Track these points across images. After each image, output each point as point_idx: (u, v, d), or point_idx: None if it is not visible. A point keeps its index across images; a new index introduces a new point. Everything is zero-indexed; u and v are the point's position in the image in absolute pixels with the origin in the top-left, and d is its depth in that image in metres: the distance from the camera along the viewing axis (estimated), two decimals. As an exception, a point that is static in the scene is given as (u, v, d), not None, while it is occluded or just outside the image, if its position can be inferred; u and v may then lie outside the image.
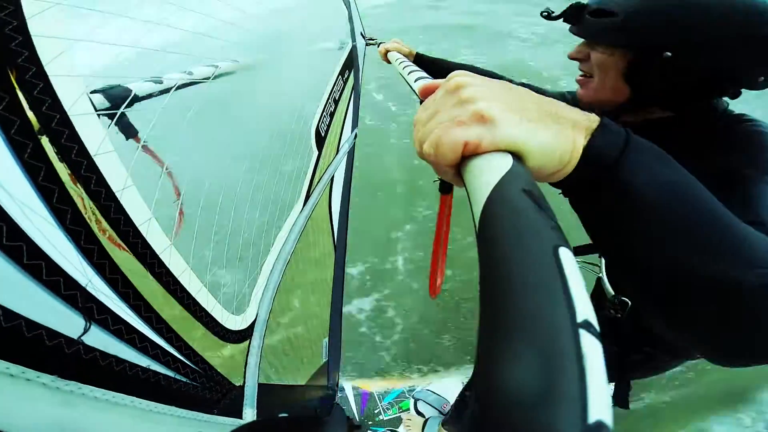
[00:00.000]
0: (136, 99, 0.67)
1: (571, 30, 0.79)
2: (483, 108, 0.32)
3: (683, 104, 0.73)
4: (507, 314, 0.19)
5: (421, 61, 1.44)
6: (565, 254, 0.21)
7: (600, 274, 1.13)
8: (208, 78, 0.87)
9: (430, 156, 0.34)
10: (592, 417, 0.15)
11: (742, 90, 0.70)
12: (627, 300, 1.01)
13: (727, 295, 0.33)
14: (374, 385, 2.36)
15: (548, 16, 0.83)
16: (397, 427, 2.15)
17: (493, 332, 0.19)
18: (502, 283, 0.21)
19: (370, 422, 2.20)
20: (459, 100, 0.34)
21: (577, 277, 0.20)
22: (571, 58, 0.82)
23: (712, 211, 0.34)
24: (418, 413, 2.17)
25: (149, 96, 0.72)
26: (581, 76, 0.82)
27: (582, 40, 0.79)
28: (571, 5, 0.77)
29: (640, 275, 0.37)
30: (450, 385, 2.30)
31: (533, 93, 0.36)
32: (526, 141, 0.32)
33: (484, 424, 0.17)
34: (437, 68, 1.39)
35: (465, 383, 2.34)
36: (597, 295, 1.14)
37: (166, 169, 0.66)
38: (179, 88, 0.79)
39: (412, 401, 2.22)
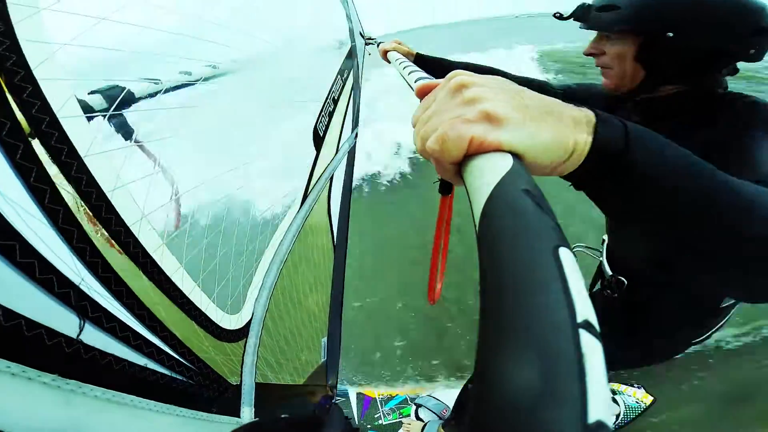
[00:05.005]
0: (134, 99, 0.67)
1: (582, 27, 0.90)
2: (489, 108, 0.33)
3: (690, 78, 0.84)
4: (507, 314, 0.19)
5: (421, 60, 1.44)
6: (565, 254, 0.21)
7: (601, 258, 1.22)
8: (205, 78, 0.88)
9: (434, 152, 0.35)
10: (592, 417, 0.15)
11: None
12: (623, 279, 1.10)
13: (746, 247, 0.38)
14: (377, 392, 2.37)
15: (560, 17, 0.97)
16: None
17: (493, 332, 0.19)
18: (502, 283, 0.21)
19: (368, 426, 2.21)
20: (463, 99, 0.35)
21: (577, 277, 0.20)
22: (588, 54, 0.92)
23: (717, 178, 0.38)
24: (419, 419, 2.18)
25: (147, 96, 0.72)
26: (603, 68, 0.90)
27: (593, 36, 0.90)
28: (579, 5, 0.89)
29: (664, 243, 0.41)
30: (453, 394, 2.26)
31: (533, 92, 0.37)
32: (529, 139, 0.33)
33: (485, 425, 0.17)
34: (437, 67, 1.39)
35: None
36: (598, 277, 1.28)
37: (162, 169, 0.67)
38: (176, 88, 0.79)
39: (413, 408, 2.23)
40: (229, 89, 1.02)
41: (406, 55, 1.40)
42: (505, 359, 0.17)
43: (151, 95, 0.74)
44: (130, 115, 0.62)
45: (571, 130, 0.35)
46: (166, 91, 0.77)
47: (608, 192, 0.39)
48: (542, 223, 0.24)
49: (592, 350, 0.17)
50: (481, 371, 0.18)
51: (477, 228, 0.27)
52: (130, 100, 0.66)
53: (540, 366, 0.16)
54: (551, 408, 0.15)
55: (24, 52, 0.36)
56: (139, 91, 0.72)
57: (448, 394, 2.29)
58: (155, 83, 0.77)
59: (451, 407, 2.16)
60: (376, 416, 2.25)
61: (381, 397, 2.36)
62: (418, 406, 2.21)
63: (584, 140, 0.35)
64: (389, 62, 1.34)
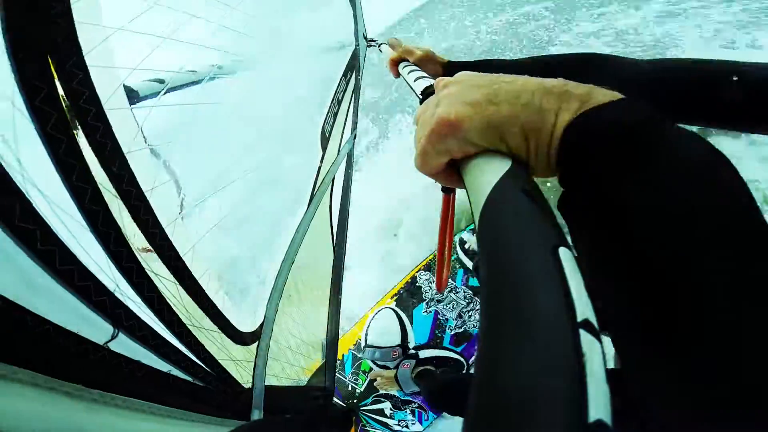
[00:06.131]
0: (140, 98, 0.64)
1: None
2: (442, 113, 0.31)
3: None
4: (507, 314, 0.19)
5: (458, 68, 0.94)
6: (565, 254, 0.21)
7: None
8: (211, 77, 0.84)
9: (418, 168, 0.35)
10: (592, 416, 0.15)
11: None
12: None
13: None
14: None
15: None
16: (377, 390, 2.14)
17: (494, 331, 0.19)
18: (502, 282, 0.21)
19: (355, 401, 2.19)
20: (435, 102, 0.34)
21: (577, 277, 0.20)
22: None
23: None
24: (381, 366, 2.09)
25: (152, 95, 0.69)
26: None
27: None
28: None
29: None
30: (384, 323, 2.11)
31: (518, 82, 0.31)
32: (498, 145, 0.30)
33: (484, 424, 0.17)
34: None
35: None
36: None
37: (174, 171, 0.63)
38: (182, 87, 0.76)
39: (369, 361, 2.13)
40: (239, 87, 0.97)
41: (426, 60, 0.97)
42: (505, 358, 0.17)
43: (155, 94, 0.71)
44: (135, 113, 0.59)
45: (549, 120, 0.28)
46: (169, 90, 0.73)
47: (589, 222, 0.28)
48: (542, 222, 0.23)
49: (592, 350, 0.17)
50: (482, 370, 0.18)
51: (477, 228, 0.27)
52: (136, 98, 0.63)
53: (540, 365, 0.16)
54: (551, 407, 0.15)
55: (78, 35, 0.32)
56: (145, 90, 0.68)
57: (381, 327, 2.11)
58: (160, 82, 0.73)
59: (391, 345, 2.03)
60: (349, 389, 2.24)
61: None
62: (371, 361, 2.10)
63: (566, 122, 0.28)
64: (397, 75, 0.99)
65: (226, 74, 0.83)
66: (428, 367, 2.01)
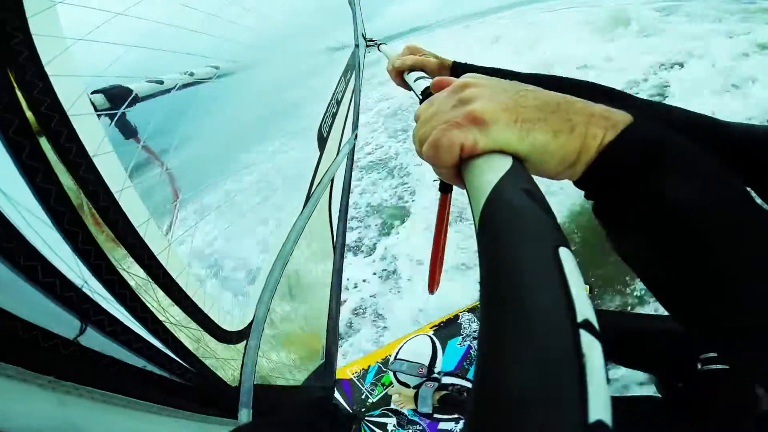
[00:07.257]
0: (137, 99, 0.66)
1: None
2: (476, 108, 0.33)
3: None
4: (507, 314, 0.19)
5: (464, 69, 0.92)
6: (565, 254, 0.21)
7: None
8: (209, 79, 0.87)
9: (429, 158, 0.35)
10: (593, 416, 0.15)
11: None
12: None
13: None
14: (349, 370, 2.38)
15: None
16: (389, 404, 2.17)
17: (494, 332, 0.19)
18: (503, 282, 0.21)
19: (363, 409, 2.23)
20: (459, 99, 0.35)
21: (577, 277, 0.20)
22: None
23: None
24: (402, 383, 2.12)
25: (150, 96, 0.71)
26: None
27: None
28: None
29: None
30: (417, 346, 2.23)
31: (543, 92, 0.35)
32: (520, 141, 0.32)
33: (484, 424, 0.17)
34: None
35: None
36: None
37: (166, 169, 0.66)
38: (180, 88, 0.78)
39: (392, 374, 2.17)
40: (235, 88, 1.00)
41: (438, 69, 0.87)
42: (505, 359, 0.17)
43: (154, 95, 0.73)
44: (133, 113, 0.61)
45: (578, 134, 0.32)
46: (169, 91, 0.75)
47: (630, 229, 0.32)
48: (542, 222, 0.24)
49: (592, 350, 0.17)
50: (482, 370, 0.19)
51: (476, 227, 0.27)
52: (133, 100, 0.65)
53: (540, 366, 0.16)
54: (552, 408, 0.15)
55: (36, 46, 0.35)
56: (143, 91, 0.71)
57: (414, 349, 2.20)
58: (159, 84, 0.75)
59: (424, 363, 2.11)
60: (363, 397, 2.28)
61: (355, 374, 2.38)
62: (395, 372, 2.13)
63: (599, 138, 0.32)
64: (402, 83, 0.87)
65: (221, 76, 0.85)
66: (451, 391, 2.02)
